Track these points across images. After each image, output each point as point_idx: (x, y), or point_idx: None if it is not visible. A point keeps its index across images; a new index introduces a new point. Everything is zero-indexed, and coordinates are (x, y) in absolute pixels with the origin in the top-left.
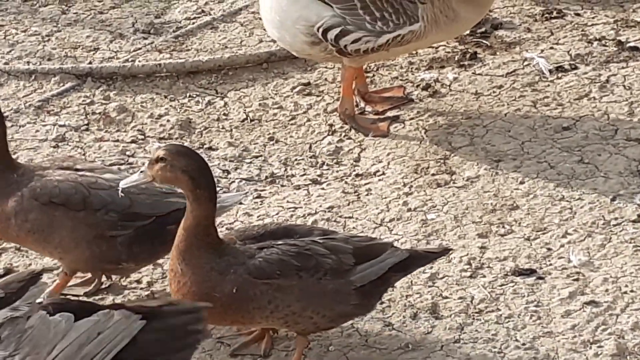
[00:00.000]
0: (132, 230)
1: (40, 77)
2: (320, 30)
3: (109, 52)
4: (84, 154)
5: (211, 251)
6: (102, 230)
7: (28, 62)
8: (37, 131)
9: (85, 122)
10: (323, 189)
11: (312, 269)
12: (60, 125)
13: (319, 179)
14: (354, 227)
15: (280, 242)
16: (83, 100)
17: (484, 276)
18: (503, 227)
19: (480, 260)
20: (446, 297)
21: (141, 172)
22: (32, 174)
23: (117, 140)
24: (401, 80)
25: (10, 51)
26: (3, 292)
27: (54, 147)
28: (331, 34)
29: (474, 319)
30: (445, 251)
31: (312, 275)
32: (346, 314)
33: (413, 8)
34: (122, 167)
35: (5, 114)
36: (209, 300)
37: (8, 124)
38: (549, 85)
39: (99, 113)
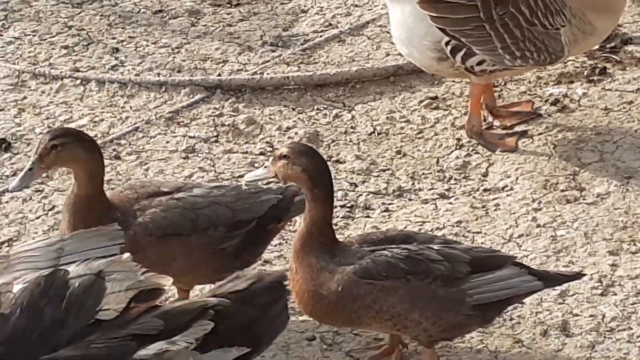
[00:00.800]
0: (239, 238)
1: (170, 88)
2: (448, 47)
3: (237, 65)
4: (213, 166)
5: (323, 251)
6: (214, 246)
7: (158, 74)
8: (167, 142)
9: (215, 133)
10: (451, 203)
11: (421, 273)
12: (190, 137)
13: (446, 193)
14: (482, 242)
15: (393, 247)
16: (212, 112)
17: (615, 294)
18: (634, 244)
19: (611, 278)
20: (577, 315)
21: (265, 167)
22: (132, 210)
23: (246, 152)
24: (529, 95)
25: (140, 63)
26: (163, 323)
27: (184, 158)
28: (458, 56)
29: (605, 337)
30: (577, 276)
31: (421, 279)
32: (459, 324)
33: (555, 44)
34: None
35: (136, 125)
36: (318, 298)
37: (139, 134)
38: None
39: (228, 125)
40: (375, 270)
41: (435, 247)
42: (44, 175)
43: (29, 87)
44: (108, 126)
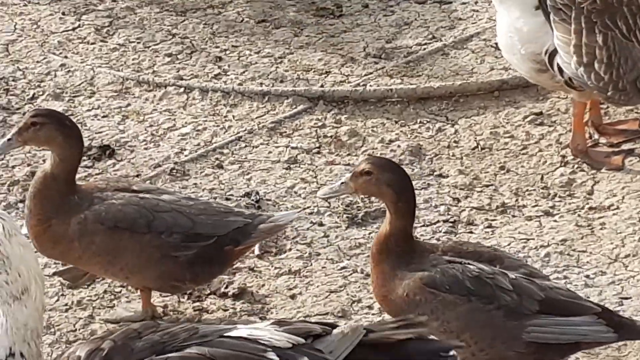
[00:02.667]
0: (194, 251)
1: (273, 98)
2: (547, 57)
3: (340, 76)
4: (315, 177)
5: (398, 259)
6: (166, 251)
7: (261, 84)
8: (269, 152)
9: (317, 144)
10: (555, 221)
11: (485, 298)
12: (293, 147)
13: (551, 210)
14: (587, 262)
15: (471, 263)
16: (315, 123)
17: None
18: None
19: None
20: None
21: (343, 183)
22: (92, 196)
23: (348, 164)
24: (636, 113)
25: (244, 72)
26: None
27: (286, 168)
28: (557, 66)
29: None
30: None
31: (484, 303)
32: (506, 358)
33: None
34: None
35: (239, 134)
36: (388, 303)
37: (242, 144)
38: None
39: (331, 136)
40: (441, 281)
41: (512, 275)
42: (21, 147)
43: (133, 94)
44: (211, 135)
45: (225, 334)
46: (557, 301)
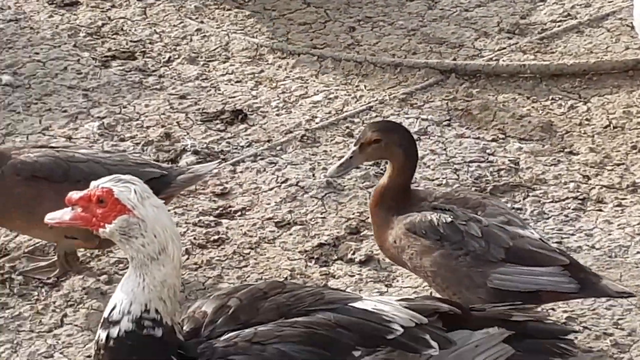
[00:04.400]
0: None
1: (405, 70)
2: None
3: (473, 50)
4: (444, 149)
5: (392, 210)
6: None
7: (394, 55)
8: (400, 123)
9: (447, 117)
10: None
11: (455, 243)
12: (423, 119)
13: None
14: None
15: (452, 209)
16: (446, 96)
17: None
18: None
19: None
20: None
21: (351, 157)
22: (8, 156)
23: (478, 138)
24: None
25: (376, 43)
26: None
27: (416, 139)
28: None
29: None
30: (626, 294)
31: (454, 249)
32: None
33: None
34: (477, 164)
35: (370, 104)
36: (385, 251)
37: (372, 114)
38: None
39: (461, 110)
40: (419, 226)
41: (486, 222)
42: None
43: (266, 61)
44: (342, 103)
45: (351, 304)
46: (524, 250)
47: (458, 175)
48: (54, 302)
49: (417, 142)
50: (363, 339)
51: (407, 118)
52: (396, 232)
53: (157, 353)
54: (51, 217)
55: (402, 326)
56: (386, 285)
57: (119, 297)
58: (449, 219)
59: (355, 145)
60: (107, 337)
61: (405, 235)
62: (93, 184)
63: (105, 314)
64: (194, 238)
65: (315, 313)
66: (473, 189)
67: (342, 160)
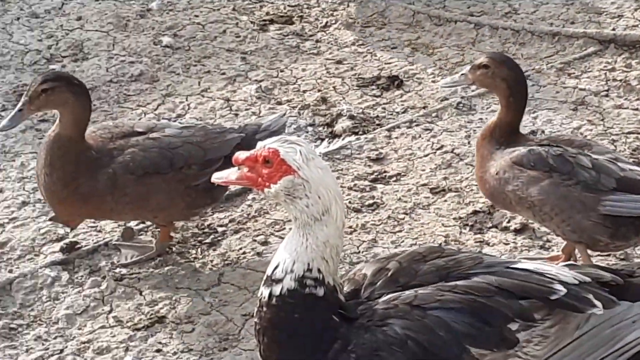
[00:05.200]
0: (209, 176)
1: (563, 39)
2: None
3: (633, 20)
4: (602, 120)
5: (498, 145)
6: (189, 182)
7: (551, 24)
8: (557, 92)
9: (605, 88)
10: None
11: (566, 174)
12: (580, 89)
13: None
14: None
15: (560, 145)
16: (604, 66)
17: None
18: None
19: None
20: None
21: (462, 74)
22: (107, 149)
23: (636, 109)
24: None
25: (534, 12)
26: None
27: (573, 110)
28: None
29: None
30: None
31: (564, 179)
32: (588, 230)
33: None
34: (635, 135)
35: (527, 73)
36: (484, 183)
37: (529, 82)
38: None
39: (620, 80)
40: (527, 159)
41: (596, 157)
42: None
43: (423, 28)
44: None
45: (511, 266)
46: (634, 180)
47: (615, 147)
48: (212, 261)
49: (526, 87)
50: (521, 310)
51: (565, 87)
52: (500, 163)
53: (318, 311)
54: (218, 177)
55: (565, 285)
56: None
57: (282, 255)
58: (559, 151)
59: (470, 65)
60: (270, 294)
61: (511, 167)
62: (260, 144)
63: (269, 272)
64: (349, 202)
65: (474, 276)
66: (631, 160)
67: (454, 75)
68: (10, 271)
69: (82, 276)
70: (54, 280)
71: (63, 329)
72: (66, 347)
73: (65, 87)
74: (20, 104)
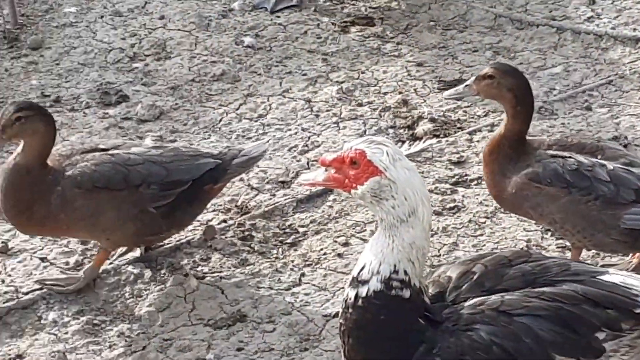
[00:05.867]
0: (172, 198)
1: None
2: None
3: None
4: None
5: (508, 159)
6: (145, 204)
7: (634, 29)
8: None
9: None
10: None
11: (583, 189)
12: None
13: None
14: None
15: (572, 156)
16: None
17: None
18: None
19: None
20: None
21: (466, 85)
22: (63, 166)
23: None
24: None
25: (617, 17)
26: None
27: None
28: None
29: None
30: None
31: (583, 195)
32: (609, 245)
33: None
34: None
35: (610, 78)
36: (501, 201)
37: (612, 88)
38: None
39: None
40: (543, 175)
41: (611, 166)
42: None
43: (505, 31)
44: (581, 76)
45: (598, 276)
46: None
47: None
48: (293, 261)
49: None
50: (608, 319)
51: None
52: (516, 181)
53: (404, 313)
54: (305, 179)
55: None
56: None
57: (368, 257)
58: (574, 166)
59: (474, 76)
60: (356, 295)
61: (528, 184)
62: (346, 145)
63: (355, 273)
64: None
65: (561, 284)
66: None
67: (458, 87)
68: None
69: (164, 274)
70: (136, 278)
71: (145, 325)
72: (149, 344)
73: (38, 116)
74: None
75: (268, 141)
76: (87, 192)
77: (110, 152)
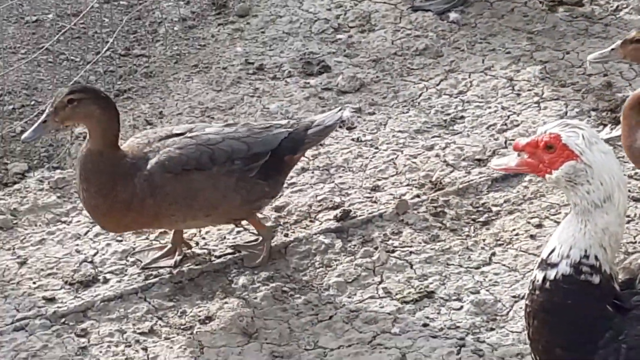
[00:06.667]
0: (256, 171)
1: None
2: None
3: None
4: None
5: None
6: (237, 175)
7: None
8: None
9: None
10: None
11: None
12: None
13: None
14: None
15: None
16: None
17: None
18: None
19: None
20: None
21: (612, 49)
22: (144, 152)
23: None
24: None
25: None
26: None
27: None
28: None
29: None
30: None
31: None
32: None
33: None
34: None
35: None
36: (630, 152)
37: None
38: None
39: None
40: None
41: None
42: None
43: None
44: None
45: None
46: None
47: None
48: (484, 240)
49: None
50: None
51: None
52: None
53: (592, 299)
54: (497, 164)
55: None
56: None
57: (558, 240)
58: None
59: (621, 40)
60: (544, 278)
61: None
62: (540, 129)
63: (544, 256)
64: (629, 190)
65: None
66: None
67: (604, 50)
68: (286, 235)
69: (355, 245)
70: (327, 247)
71: (333, 295)
72: (335, 314)
73: (92, 99)
74: (44, 115)
75: (341, 109)
76: (177, 175)
77: (188, 135)
